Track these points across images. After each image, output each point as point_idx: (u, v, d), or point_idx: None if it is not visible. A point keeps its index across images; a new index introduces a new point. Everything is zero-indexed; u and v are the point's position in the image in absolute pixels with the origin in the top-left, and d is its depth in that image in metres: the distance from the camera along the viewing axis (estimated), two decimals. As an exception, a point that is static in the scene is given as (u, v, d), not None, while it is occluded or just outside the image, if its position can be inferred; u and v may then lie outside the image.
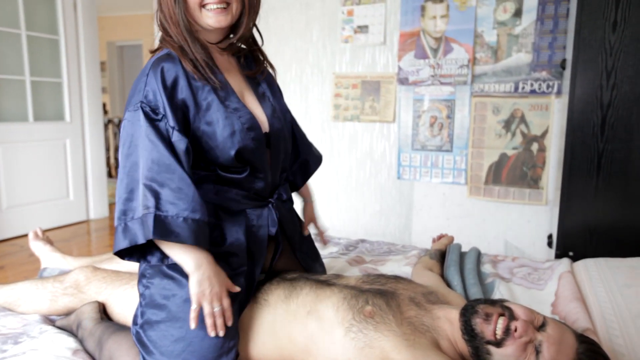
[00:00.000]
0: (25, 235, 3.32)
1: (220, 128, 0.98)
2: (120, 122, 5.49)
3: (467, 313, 0.97)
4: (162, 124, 0.95)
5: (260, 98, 1.12)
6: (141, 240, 0.89)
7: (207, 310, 0.94)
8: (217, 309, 0.94)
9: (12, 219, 3.28)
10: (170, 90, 0.96)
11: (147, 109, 0.95)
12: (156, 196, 0.90)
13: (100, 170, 3.90)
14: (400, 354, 0.89)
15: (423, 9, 2.56)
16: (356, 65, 2.75)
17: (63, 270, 1.50)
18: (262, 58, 1.16)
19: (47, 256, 1.62)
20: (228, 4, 0.99)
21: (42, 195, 3.48)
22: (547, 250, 2.32)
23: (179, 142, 0.95)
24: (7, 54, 3.24)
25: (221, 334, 0.95)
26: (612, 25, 1.60)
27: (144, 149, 0.92)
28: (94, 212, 3.86)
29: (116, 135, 5.88)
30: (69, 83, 3.62)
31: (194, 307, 0.94)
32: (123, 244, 0.91)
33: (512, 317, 0.93)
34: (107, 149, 5.64)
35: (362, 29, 2.72)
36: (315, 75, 2.86)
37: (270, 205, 1.13)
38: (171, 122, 0.95)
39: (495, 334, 0.92)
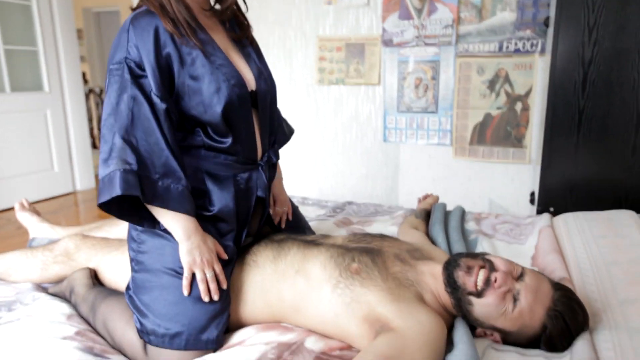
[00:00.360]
0: (12, 209, 3.30)
1: (205, 84, 0.98)
2: (101, 91, 5.35)
3: (450, 266, 1.00)
4: (146, 81, 0.94)
5: (247, 58, 1.12)
6: (118, 192, 0.89)
7: (199, 276, 0.97)
8: (209, 274, 0.97)
9: (-4, 192, 3.25)
10: (154, 45, 0.94)
11: (132, 65, 0.94)
12: (136, 153, 0.91)
13: (84, 141, 3.85)
14: (386, 307, 0.93)
15: (407, -33, 2.50)
16: (340, 27, 2.71)
17: (52, 240, 1.51)
18: (246, 23, 1.15)
19: (35, 227, 1.61)
20: None
21: (26, 167, 3.43)
22: (530, 207, 2.38)
23: (160, 103, 0.95)
24: (-23, 22, 3.12)
25: (215, 298, 0.98)
26: (595, -20, 1.60)
27: (127, 106, 0.92)
28: (80, 183, 3.83)
29: (98, 105, 5.76)
30: (45, 51, 3.51)
31: (185, 274, 0.96)
32: (106, 196, 0.91)
33: (492, 268, 0.96)
34: (90, 120, 5.54)
35: (346, -11, 2.66)
36: (298, 39, 2.81)
37: (260, 168, 1.13)
38: (153, 86, 0.94)
39: (476, 285, 0.95)
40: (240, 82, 1.03)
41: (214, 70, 0.99)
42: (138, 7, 1.02)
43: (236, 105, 1.01)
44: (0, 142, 3.25)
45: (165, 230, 0.99)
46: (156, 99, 0.94)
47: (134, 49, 0.94)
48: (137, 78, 0.94)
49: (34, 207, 1.70)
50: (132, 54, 0.94)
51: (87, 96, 5.64)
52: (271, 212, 1.27)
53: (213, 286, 0.98)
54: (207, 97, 0.98)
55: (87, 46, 7.00)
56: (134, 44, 0.94)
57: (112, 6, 6.72)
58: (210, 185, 1.05)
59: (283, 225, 1.31)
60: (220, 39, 1.08)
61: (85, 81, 6.74)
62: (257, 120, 1.11)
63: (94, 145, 5.67)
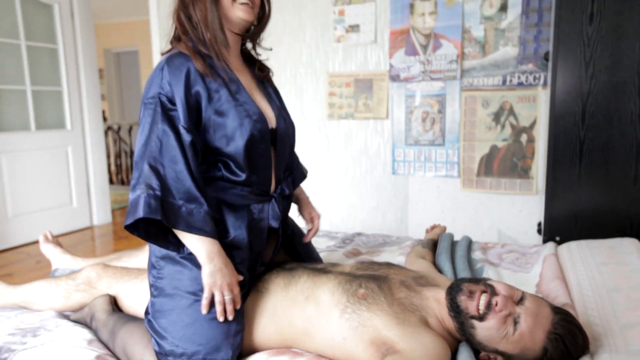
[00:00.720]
0: (32, 243, 3.40)
1: (230, 119, 1.07)
2: (119, 128, 5.52)
3: (453, 291, 1.04)
4: (176, 114, 1.04)
5: (268, 98, 1.22)
6: (140, 215, 0.96)
7: (218, 299, 1.02)
8: (227, 297, 1.03)
9: (18, 227, 3.36)
10: (185, 83, 1.04)
11: (165, 99, 1.04)
12: (161, 180, 0.99)
13: (102, 176, 3.98)
14: (391, 331, 0.97)
15: (412, 6, 2.63)
16: (349, 64, 2.83)
17: (74, 270, 1.58)
18: (267, 66, 1.28)
19: (58, 258, 1.69)
20: (253, 3, 1.12)
21: (46, 202, 3.55)
22: (538, 237, 2.40)
23: (186, 135, 1.03)
24: (7, 65, 3.32)
25: (230, 318, 1.03)
26: (589, 18, 1.68)
27: (157, 137, 1.01)
28: (97, 218, 3.94)
29: (116, 142, 5.95)
30: (69, 91, 3.69)
31: (205, 295, 1.02)
32: (130, 219, 0.98)
33: (493, 293, 1.00)
34: (107, 156, 5.72)
35: (354, 28, 2.79)
36: (309, 75, 2.93)
37: (273, 200, 1.20)
38: (182, 119, 1.03)
39: (478, 309, 0.99)
40: (262, 118, 1.12)
41: (237, 106, 1.08)
42: (170, 50, 1.14)
43: (257, 140, 1.09)
44: (24, 179, 3.39)
45: (189, 254, 1.05)
46: (183, 131, 1.03)
47: (167, 86, 1.04)
48: (167, 111, 1.03)
49: (56, 240, 1.78)
50: (165, 89, 1.04)
51: (105, 133, 5.84)
52: (309, 227, 1.37)
53: (230, 308, 1.03)
54: (231, 130, 1.07)
55: (107, 85, 7.30)
56: (167, 81, 1.04)
57: (131, 46, 7.04)
58: (226, 213, 1.11)
59: (308, 239, 1.36)
60: (245, 79, 1.19)
61: (105, 119, 6.99)
62: (274, 157, 1.19)
63: (111, 181, 5.83)
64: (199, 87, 1.06)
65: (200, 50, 1.10)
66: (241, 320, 1.08)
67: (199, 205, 1.02)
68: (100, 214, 3.96)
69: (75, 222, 3.78)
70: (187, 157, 1.02)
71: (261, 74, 1.25)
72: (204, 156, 1.09)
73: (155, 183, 0.99)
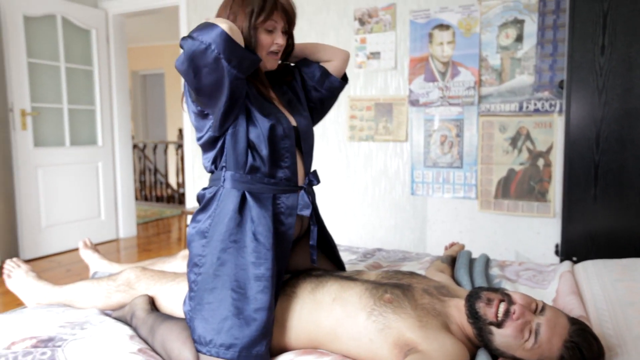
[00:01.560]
0: (63, 253, 3.54)
1: (258, 104, 1.19)
2: (145, 146, 5.70)
3: (472, 298, 1.11)
4: None
5: (287, 105, 1.34)
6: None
7: None
8: None
9: (50, 237, 3.51)
10: None
11: None
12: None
13: (129, 191, 4.13)
14: (414, 333, 1.04)
15: (431, 35, 2.76)
16: (370, 88, 2.95)
17: (113, 273, 1.68)
18: (291, 67, 1.42)
19: (96, 263, 1.80)
20: (279, 52, 1.26)
21: (77, 215, 3.71)
22: (556, 259, 2.43)
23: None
24: (48, 85, 3.53)
25: None
26: (601, 49, 1.77)
27: None
28: (123, 231, 4.08)
29: (140, 159, 6.15)
30: (102, 110, 3.89)
31: None
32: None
33: (510, 302, 1.07)
34: (133, 172, 5.91)
35: (375, 55, 2.93)
36: (331, 99, 3.05)
37: (303, 191, 1.29)
38: None
39: (497, 316, 1.05)
40: (285, 117, 1.24)
41: (263, 102, 1.22)
42: None
43: (280, 133, 1.20)
44: (57, 191, 3.56)
45: (229, 249, 1.15)
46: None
47: None
48: None
49: (94, 246, 1.90)
50: None
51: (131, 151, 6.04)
52: None
53: None
54: (257, 121, 1.18)
55: (133, 105, 7.58)
56: None
57: (158, 69, 7.33)
58: (251, 205, 1.19)
59: None
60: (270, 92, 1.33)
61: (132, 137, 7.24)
62: (299, 153, 1.30)
63: (135, 197, 6.00)
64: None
65: None
66: (272, 320, 1.16)
67: None
68: (126, 227, 4.10)
69: (103, 234, 3.92)
70: None
71: (284, 79, 1.38)
72: (235, 148, 1.19)
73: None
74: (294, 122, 1.29)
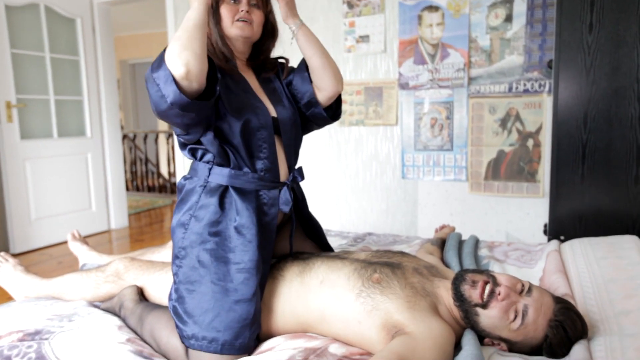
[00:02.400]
0: (54, 245, 3.52)
1: (232, 98, 1.18)
2: (135, 136, 5.66)
3: (457, 281, 1.11)
4: None
5: (271, 94, 1.32)
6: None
7: None
8: None
9: (40, 229, 3.49)
10: None
11: None
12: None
13: (120, 182, 4.11)
14: (402, 315, 1.04)
15: (420, 17, 2.73)
16: (359, 72, 2.93)
17: (101, 265, 1.68)
18: (284, 62, 1.39)
19: (85, 255, 1.79)
20: (251, 22, 1.23)
21: (67, 207, 3.68)
22: (545, 239, 2.45)
23: None
24: (33, 76, 3.47)
25: None
26: (589, 27, 1.76)
27: None
28: (115, 222, 4.06)
29: (131, 149, 6.11)
30: (89, 100, 3.84)
31: None
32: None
33: (495, 283, 1.07)
34: (123, 163, 5.87)
35: (364, 38, 2.90)
36: (320, 84, 3.03)
37: (285, 187, 1.27)
38: None
39: (482, 297, 1.06)
40: (263, 108, 1.22)
41: (240, 92, 1.21)
42: None
43: (256, 125, 1.19)
44: (46, 183, 3.53)
45: (204, 250, 1.15)
46: None
47: None
48: None
49: (83, 238, 1.89)
50: None
51: (121, 141, 6.00)
52: None
53: None
54: (231, 116, 1.17)
55: (123, 95, 7.49)
56: None
57: (147, 58, 7.24)
58: (234, 199, 1.19)
59: None
60: (250, 78, 1.31)
61: (121, 127, 7.17)
62: (280, 144, 1.27)
63: (127, 188, 5.97)
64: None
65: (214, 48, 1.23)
66: (259, 307, 1.16)
67: None
68: (118, 218, 4.08)
69: (94, 225, 3.90)
70: None
71: (266, 75, 1.35)
72: (218, 145, 1.18)
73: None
74: (273, 112, 1.27)
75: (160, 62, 1.06)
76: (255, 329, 1.14)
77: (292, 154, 1.32)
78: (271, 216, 1.23)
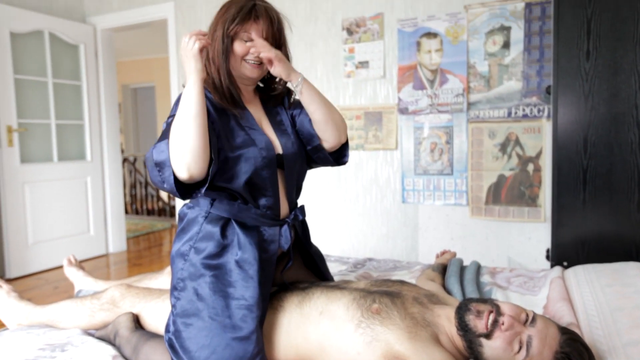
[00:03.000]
0: (50, 270, 3.48)
1: (235, 141, 1.16)
2: (135, 160, 5.67)
3: (461, 311, 1.09)
4: None
5: (276, 126, 1.30)
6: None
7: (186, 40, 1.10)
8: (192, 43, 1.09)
9: (37, 254, 3.45)
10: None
11: None
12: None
13: (119, 206, 4.09)
14: (403, 345, 1.02)
15: (419, 44, 2.77)
16: (359, 97, 2.95)
17: (97, 291, 1.65)
18: (280, 93, 1.35)
19: (81, 280, 1.77)
20: (262, 63, 1.21)
21: (65, 230, 3.66)
22: (547, 264, 2.42)
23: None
24: (35, 101, 3.50)
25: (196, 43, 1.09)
26: (586, 55, 1.78)
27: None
28: (113, 246, 4.03)
29: (131, 173, 6.11)
30: (90, 125, 3.86)
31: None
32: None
33: (499, 312, 1.04)
34: (123, 187, 5.86)
35: (363, 64, 2.93)
36: (320, 109, 3.05)
37: (286, 225, 1.26)
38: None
39: (487, 327, 1.03)
40: (268, 146, 1.20)
41: (244, 135, 1.18)
42: None
43: (260, 168, 1.17)
44: (45, 207, 3.51)
45: (203, 284, 1.13)
46: None
47: None
48: None
49: (79, 263, 1.86)
50: None
51: (122, 164, 6.01)
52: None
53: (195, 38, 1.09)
54: (235, 169, 1.15)
55: (124, 118, 7.55)
56: None
57: (148, 82, 7.32)
58: (237, 232, 1.18)
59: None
60: (255, 109, 1.28)
61: (121, 151, 7.20)
62: (283, 180, 1.26)
63: (126, 211, 5.95)
64: (212, 114, 1.15)
65: (217, 83, 1.20)
66: (260, 342, 1.12)
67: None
68: (116, 242, 4.05)
69: (92, 249, 3.87)
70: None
71: (273, 104, 1.33)
72: (219, 187, 1.17)
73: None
74: (279, 148, 1.25)
75: (160, 153, 1.06)
76: None
77: (294, 190, 1.31)
78: (271, 253, 1.22)
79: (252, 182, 1.18)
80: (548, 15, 2.45)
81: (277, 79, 1.31)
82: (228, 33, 1.17)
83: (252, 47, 1.18)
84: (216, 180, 1.15)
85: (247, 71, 1.21)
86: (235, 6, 1.18)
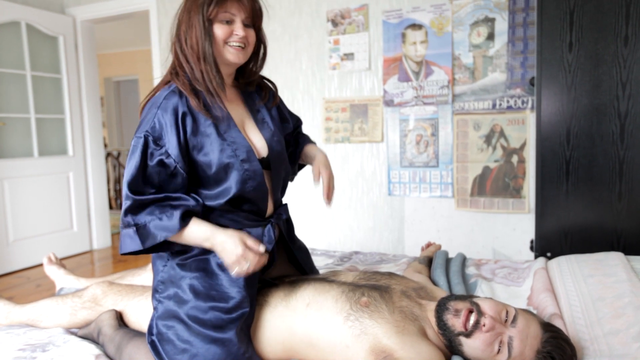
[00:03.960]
0: (32, 267, 3.42)
1: (215, 157, 1.10)
2: (119, 154, 5.59)
3: (440, 309, 1.08)
4: (157, 152, 1.07)
5: (260, 124, 1.25)
6: (136, 248, 1.08)
7: (245, 267, 1.08)
8: (246, 266, 1.08)
9: (18, 251, 3.39)
10: (178, 127, 1.08)
11: (150, 139, 1.07)
12: (134, 210, 1.08)
13: (102, 201, 4.03)
14: (391, 339, 1.01)
15: (404, 35, 2.76)
16: (344, 90, 2.93)
17: (79, 289, 1.62)
18: (270, 86, 1.31)
19: (62, 279, 1.73)
20: (245, 46, 1.15)
21: (47, 227, 3.59)
22: (532, 255, 2.45)
23: (174, 169, 1.09)
24: (13, 94, 3.41)
25: (251, 269, 1.09)
26: (569, 46, 1.78)
27: (130, 167, 1.08)
28: (97, 242, 3.97)
29: (115, 167, 6.02)
30: (72, 119, 3.78)
31: (232, 274, 1.09)
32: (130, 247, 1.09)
33: (479, 311, 1.03)
34: (107, 182, 5.77)
35: (348, 56, 2.91)
36: (306, 101, 3.03)
37: (269, 225, 1.23)
38: (174, 155, 1.07)
39: (465, 326, 1.03)
40: (250, 156, 1.13)
41: (224, 147, 1.11)
42: (169, 82, 1.17)
43: (245, 181, 1.13)
44: (25, 204, 3.44)
45: (182, 284, 1.13)
46: (174, 165, 1.08)
47: (157, 126, 1.07)
48: (146, 150, 1.07)
49: (60, 261, 1.83)
50: (155, 130, 1.07)
51: (105, 159, 5.92)
52: (315, 179, 1.31)
53: (256, 260, 1.10)
54: (215, 171, 1.11)
55: (107, 112, 7.42)
56: (159, 122, 1.07)
57: (132, 75, 7.19)
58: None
59: (329, 199, 1.30)
60: (236, 109, 1.21)
61: (105, 145, 7.08)
62: (269, 181, 1.22)
63: (110, 206, 5.87)
64: (189, 132, 1.09)
65: (195, 87, 1.12)
66: (244, 342, 1.11)
67: (170, 208, 1.07)
68: (100, 238, 3.99)
69: (76, 246, 3.81)
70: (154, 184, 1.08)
71: (256, 103, 1.27)
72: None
73: (129, 211, 1.08)
74: (264, 150, 1.20)
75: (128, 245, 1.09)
76: None
77: (279, 189, 1.28)
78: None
79: (237, 196, 1.14)
80: (532, 6, 2.45)
81: (251, 64, 1.25)
82: (208, 16, 1.09)
83: (234, 30, 1.12)
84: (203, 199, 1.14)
85: (231, 55, 1.13)
86: None
